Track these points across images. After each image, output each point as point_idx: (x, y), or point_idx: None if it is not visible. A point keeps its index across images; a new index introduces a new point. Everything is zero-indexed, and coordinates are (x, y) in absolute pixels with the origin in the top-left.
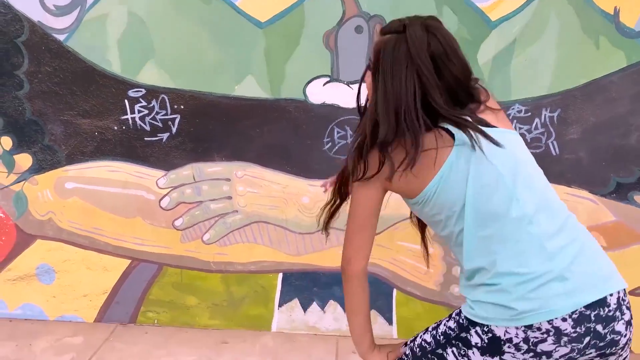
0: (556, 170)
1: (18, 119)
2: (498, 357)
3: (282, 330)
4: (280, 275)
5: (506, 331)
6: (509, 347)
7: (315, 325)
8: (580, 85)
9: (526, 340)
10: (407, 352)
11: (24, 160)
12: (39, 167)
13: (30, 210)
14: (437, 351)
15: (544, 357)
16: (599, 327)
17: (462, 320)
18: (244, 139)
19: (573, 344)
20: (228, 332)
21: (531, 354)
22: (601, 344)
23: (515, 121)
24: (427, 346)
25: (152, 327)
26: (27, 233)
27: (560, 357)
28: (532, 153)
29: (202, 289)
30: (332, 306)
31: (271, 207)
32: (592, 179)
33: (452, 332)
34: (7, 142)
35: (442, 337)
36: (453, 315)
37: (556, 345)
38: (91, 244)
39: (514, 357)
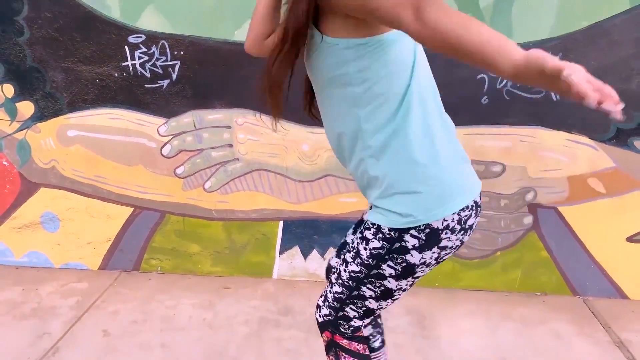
0: (556, 116)
1: (19, 66)
2: (436, 246)
3: (283, 277)
4: (281, 223)
5: (444, 220)
6: (445, 233)
7: (316, 272)
8: (582, 29)
9: (459, 221)
10: (339, 290)
11: (26, 107)
12: (41, 115)
13: (34, 158)
14: (372, 273)
15: (469, 231)
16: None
17: (389, 234)
18: (244, 86)
19: (479, 214)
20: (230, 278)
21: (462, 232)
22: None
23: None
24: (359, 274)
25: (156, 274)
26: (31, 181)
27: (474, 226)
28: (531, 99)
29: (204, 236)
30: (332, 254)
31: (271, 154)
32: (592, 125)
33: (382, 250)
34: (8, 89)
35: (371, 259)
36: (367, 236)
37: (476, 218)
38: (94, 192)
39: (450, 240)
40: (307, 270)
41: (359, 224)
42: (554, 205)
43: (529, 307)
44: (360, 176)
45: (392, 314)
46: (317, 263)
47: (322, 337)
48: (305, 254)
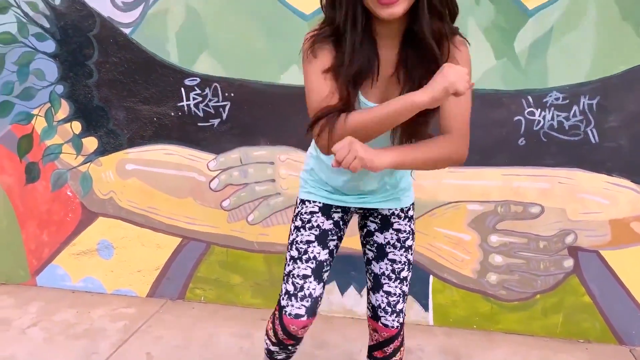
0: (596, 158)
1: (87, 105)
2: None
3: (319, 312)
4: None
5: None
6: None
7: (352, 309)
8: (619, 73)
9: None
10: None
11: (91, 143)
12: (103, 150)
13: (94, 189)
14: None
15: None
16: None
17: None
18: (287, 125)
19: None
20: (268, 311)
21: None
22: None
23: (552, 109)
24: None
25: (199, 304)
26: (90, 211)
27: None
28: (570, 141)
29: (246, 268)
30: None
31: None
32: (634, 168)
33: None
34: (77, 126)
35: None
36: (412, 215)
37: None
38: (146, 222)
39: None
40: (344, 307)
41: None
42: (595, 248)
43: (571, 355)
44: (397, 178)
45: (426, 353)
46: (354, 299)
47: (396, 342)
48: (342, 290)
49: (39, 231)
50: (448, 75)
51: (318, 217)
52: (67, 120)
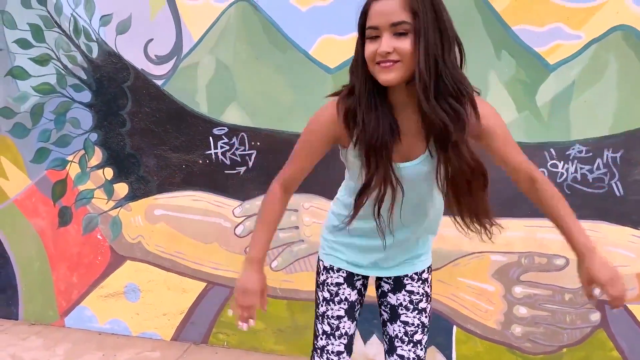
0: (621, 211)
1: (119, 153)
2: None
3: None
4: None
5: None
6: None
7: (375, 358)
8: None
9: None
10: (425, 338)
11: (122, 188)
12: (133, 195)
13: (124, 233)
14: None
15: None
16: None
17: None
18: (312, 175)
19: None
20: (291, 358)
21: None
22: None
23: (576, 161)
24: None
25: (222, 349)
26: (119, 254)
27: None
28: (594, 193)
29: (269, 314)
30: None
31: None
32: None
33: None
34: (109, 172)
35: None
36: (428, 278)
37: None
38: (173, 266)
39: None
40: (366, 355)
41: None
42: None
43: None
44: (419, 237)
45: None
46: (376, 348)
47: None
48: (365, 338)
49: (69, 273)
50: (243, 290)
51: (344, 289)
52: (99, 166)
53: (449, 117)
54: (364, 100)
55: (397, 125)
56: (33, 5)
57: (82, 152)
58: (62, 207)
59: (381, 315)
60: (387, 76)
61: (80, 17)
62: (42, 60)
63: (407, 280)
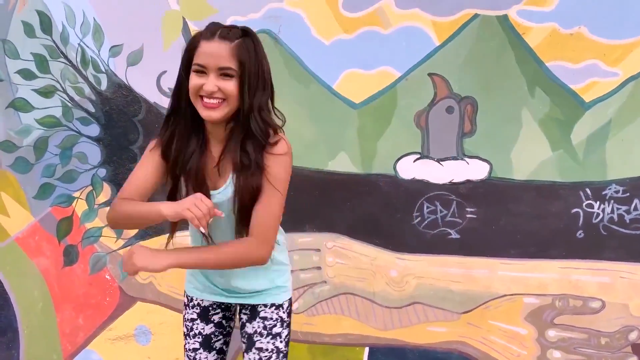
0: None
1: None
2: None
3: None
4: (367, 349)
5: None
6: None
7: None
8: None
9: None
10: None
11: None
12: (144, 234)
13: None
14: None
15: None
16: None
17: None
18: (334, 211)
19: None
20: None
21: None
22: None
23: (612, 202)
24: None
25: None
26: (129, 295)
27: None
28: (632, 234)
29: (290, 358)
30: None
31: (359, 279)
32: None
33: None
34: None
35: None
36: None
37: None
38: None
39: None
40: None
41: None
42: None
43: None
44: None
45: None
46: None
47: None
48: None
49: (75, 314)
50: (186, 201)
51: (198, 324)
52: (108, 203)
53: (247, 156)
54: (177, 126)
55: (204, 152)
56: (37, 34)
57: (90, 188)
58: (67, 246)
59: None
60: (212, 114)
61: (88, 47)
62: (46, 92)
63: (261, 307)
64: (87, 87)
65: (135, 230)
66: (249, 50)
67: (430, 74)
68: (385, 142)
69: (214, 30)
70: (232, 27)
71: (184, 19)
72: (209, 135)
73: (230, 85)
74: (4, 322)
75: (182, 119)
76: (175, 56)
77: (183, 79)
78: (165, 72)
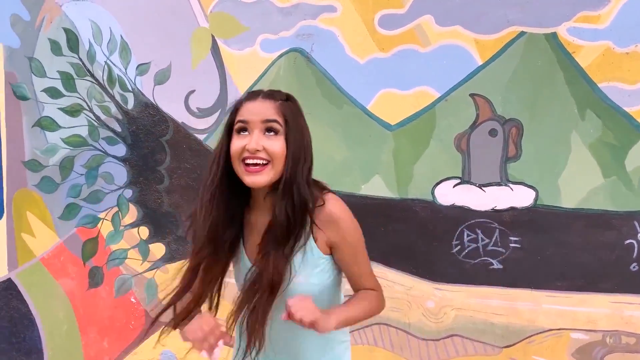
0: None
1: (156, 211)
2: None
3: None
4: None
5: None
6: None
7: None
8: None
9: None
10: None
11: (158, 249)
12: (171, 257)
13: (159, 297)
14: None
15: None
16: None
17: None
18: (368, 237)
19: None
20: None
21: None
22: None
23: None
24: None
25: None
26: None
27: None
28: None
29: None
30: None
31: (394, 309)
32: None
33: None
34: (144, 232)
35: None
36: None
37: None
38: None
39: None
40: None
41: None
42: None
43: None
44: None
45: None
46: None
47: None
48: None
49: (100, 338)
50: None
51: None
52: (134, 225)
53: (288, 224)
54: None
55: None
56: (64, 52)
57: (116, 209)
58: (92, 267)
59: None
60: (256, 179)
61: (115, 65)
62: (72, 111)
63: None
64: (113, 106)
65: (162, 253)
66: (293, 112)
67: (472, 95)
68: (422, 166)
69: (257, 92)
70: (276, 90)
71: (213, 37)
72: (251, 206)
73: (277, 144)
74: (29, 344)
75: (220, 189)
76: (204, 75)
77: (222, 146)
78: (193, 91)
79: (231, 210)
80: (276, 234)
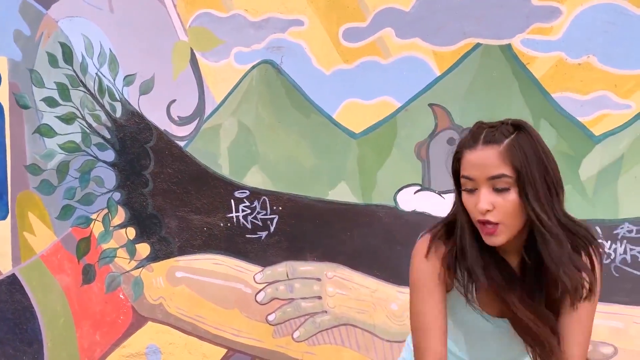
0: None
1: (141, 213)
2: None
3: None
4: None
5: None
6: None
7: None
8: None
9: None
10: None
11: (144, 249)
12: (155, 256)
13: (145, 294)
14: None
15: None
16: None
17: None
18: (335, 241)
19: None
20: None
21: None
22: None
23: (625, 242)
24: None
25: None
26: (140, 315)
27: None
28: None
29: None
30: None
31: (359, 310)
32: None
33: None
34: (131, 232)
35: None
36: None
37: None
38: (194, 330)
39: None
40: None
41: None
42: None
43: None
44: None
45: None
46: None
47: None
48: None
49: (92, 331)
50: None
51: None
52: (122, 226)
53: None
54: (470, 250)
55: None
56: (60, 65)
57: (106, 210)
58: (86, 265)
59: None
60: (493, 240)
61: (104, 76)
62: (67, 119)
63: None
64: (103, 115)
65: (148, 252)
66: (524, 151)
67: (430, 105)
68: (385, 173)
69: (478, 134)
70: (500, 125)
71: (192, 49)
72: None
73: (507, 201)
74: (31, 335)
75: (466, 233)
76: (184, 85)
77: (457, 198)
78: (174, 100)
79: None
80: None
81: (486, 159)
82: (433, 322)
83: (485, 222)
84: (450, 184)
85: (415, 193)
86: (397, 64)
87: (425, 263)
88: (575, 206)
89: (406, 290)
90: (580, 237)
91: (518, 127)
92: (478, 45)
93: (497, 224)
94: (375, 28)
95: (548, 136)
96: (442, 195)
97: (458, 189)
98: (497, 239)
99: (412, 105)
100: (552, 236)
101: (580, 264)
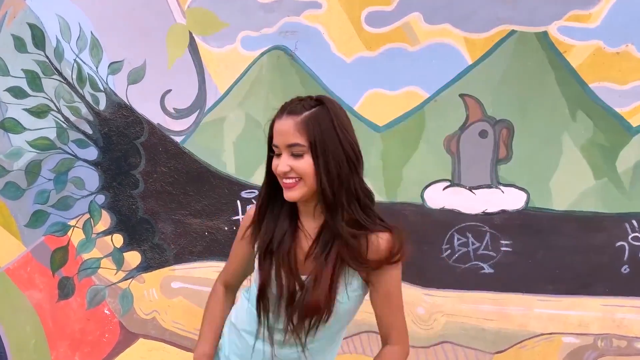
0: None
1: (130, 217)
2: None
3: None
4: None
5: None
6: None
7: None
8: None
9: None
10: None
11: (133, 257)
12: (147, 266)
13: (135, 308)
14: None
15: None
16: None
17: None
18: None
19: None
20: None
21: None
22: None
23: None
24: None
25: None
26: (130, 331)
27: None
28: None
29: None
30: None
31: None
32: None
33: None
34: (118, 239)
35: None
36: None
37: None
38: (193, 346)
39: None
40: None
41: None
42: None
43: None
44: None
45: None
46: None
47: None
48: None
49: (71, 352)
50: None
51: None
52: (107, 232)
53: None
54: (265, 204)
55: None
56: (29, 50)
57: (87, 216)
58: (62, 278)
59: None
60: (290, 194)
61: (85, 63)
62: (39, 112)
63: None
64: (84, 107)
65: (138, 262)
66: (319, 123)
67: (462, 95)
68: (411, 169)
69: (285, 106)
70: (306, 99)
71: (190, 33)
72: (301, 216)
73: (303, 164)
74: None
75: (272, 199)
76: (181, 74)
77: (267, 160)
78: (170, 90)
79: (280, 215)
80: (337, 252)
81: (286, 128)
82: (232, 259)
83: (286, 179)
84: (481, 179)
85: (444, 189)
86: (426, 52)
87: (245, 218)
88: (612, 199)
89: (434, 293)
90: (368, 216)
91: (320, 102)
92: (513, 32)
93: (299, 179)
94: (402, 12)
95: (585, 127)
96: (473, 191)
97: (270, 153)
98: (293, 193)
99: (442, 95)
100: (337, 205)
101: (349, 239)
